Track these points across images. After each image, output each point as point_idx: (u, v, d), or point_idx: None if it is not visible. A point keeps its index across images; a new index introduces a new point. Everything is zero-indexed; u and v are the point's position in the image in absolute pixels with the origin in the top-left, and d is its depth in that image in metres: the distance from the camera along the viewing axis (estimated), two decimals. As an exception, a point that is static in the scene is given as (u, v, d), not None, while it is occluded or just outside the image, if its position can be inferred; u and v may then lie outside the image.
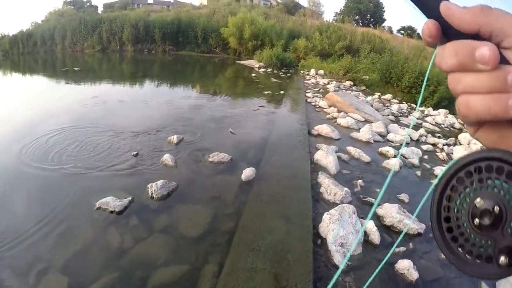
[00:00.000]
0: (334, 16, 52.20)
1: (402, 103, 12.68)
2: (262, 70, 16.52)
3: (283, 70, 16.69)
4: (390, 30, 44.49)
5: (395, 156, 5.81)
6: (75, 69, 18.14)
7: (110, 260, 3.01)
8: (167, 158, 4.82)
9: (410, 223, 3.88)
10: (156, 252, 3.06)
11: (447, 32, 0.47)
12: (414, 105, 13.23)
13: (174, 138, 5.61)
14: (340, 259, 2.82)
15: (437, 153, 6.86)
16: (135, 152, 5.14)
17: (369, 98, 11.53)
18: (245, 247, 2.73)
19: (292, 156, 4.87)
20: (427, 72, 0.69)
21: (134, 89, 12.60)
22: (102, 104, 8.93)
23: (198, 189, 4.12)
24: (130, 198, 3.81)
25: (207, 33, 24.27)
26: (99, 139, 5.91)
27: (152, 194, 3.90)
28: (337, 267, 2.76)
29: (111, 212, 3.61)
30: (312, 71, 16.32)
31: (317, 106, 8.69)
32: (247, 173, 4.22)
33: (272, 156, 4.83)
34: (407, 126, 8.47)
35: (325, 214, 3.28)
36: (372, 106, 9.89)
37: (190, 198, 3.92)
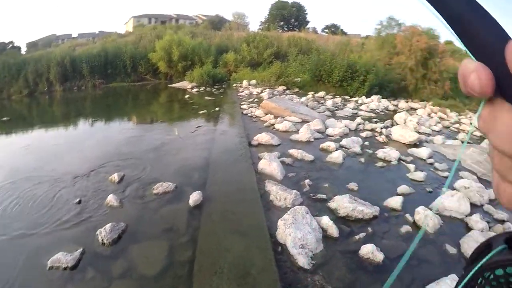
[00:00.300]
0: (259, 26, 53.20)
1: (336, 97, 13.20)
2: (195, 90, 16.49)
3: (216, 87, 16.82)
4: (315, 30, 46.05)
5: (337, 149, 6.00)
6: (4, 119, 17.23)
7: None
8: (111, 199, 4.63)
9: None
10: None
11: (507, 90, 0.33)
12: (347, 97, 13.74)
13: (116, 177, 5.41)
14: (304, 261, 2.87)
15: (376, 137, 7.27)
16: (77, 200, 4.89)
17: (303, 98, 11.88)
18: (207, 273, 2.69)
19: (236, 170, 4.88)
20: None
21: (68, 131, 12.07)
22: (36, 152, 8.48)
23: (148, 224, 4.02)
24: (81, 250, 3.63)
25: (136, 61, 23.59)
26: (37, 192, 5.58)
27: (102, 240, 3.74)
28: (302, 270, 2.83)
29: (65, 268, 3.41)
30: (245, 83, 16.52)
31: (254, 116, 8.81)
32: (194, 197, 4.16)
33: (216, 175, 4.82)
34: (344, 119, 8.74)
35: (279, 220, 3.32)
36: (307, 106, 10.16)
37: (142, 236, 3.81)
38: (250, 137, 6.64)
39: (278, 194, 4.01)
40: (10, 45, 57.17)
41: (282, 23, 54.37)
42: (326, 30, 49.14)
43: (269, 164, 4.86)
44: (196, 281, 2.67)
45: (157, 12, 59.32)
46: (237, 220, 3.45)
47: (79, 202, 4.84)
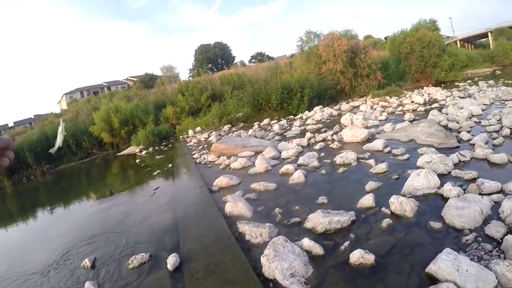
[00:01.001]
0: (189, 73, 53.79)
1: (281, 120, 13.59)
2: (144, 152, 16.34)
3: (163, 143, 16.79)
4: (243, 63, 47.08)
5: (296, 170, 6.09)
6: None
7: None
8: (88, 286, 4.40)
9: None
10: None
11: None
12: (291, 117, 14.13)
13: (87, 262, 5.16)
14: (297, 287, 2.83)
15: (330, 146, 7.52)
16: None
17: (250, 131, 12.12)
18: None
19: (205, 221, 4.82)
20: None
21: (29, 224, 11.45)
22: None
23: None
24: None
25: (78, 138, 23.16)
26: None
27: None
28: None
29: None
30: (190, 132, 16.59)
31: (208, 162, 8.82)
32: (171, 261, 4.03)
33: (186, 232, 4.75)
34: (294, 138, 8.99)
35: (261, 258, 3.26)
36: (256, 137, 10.32)
37: None
38: (209, 183, 6.60)
39: (253, 231, 3.99)
40: None
41: (210, 65, 55.43)
42: (253, 60, 50.55)
43: (235, 205, 4.84)
44: None
45: (87, 84, 58.71)
46: (222, 270, 3.39)
47: None
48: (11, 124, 53.22)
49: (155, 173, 10.06)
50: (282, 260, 3.10)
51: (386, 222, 3.64)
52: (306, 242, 3.43)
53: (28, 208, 15.16)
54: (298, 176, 5.70)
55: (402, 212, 3.74)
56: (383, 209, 3.96)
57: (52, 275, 5.31)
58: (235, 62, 51.77)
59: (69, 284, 4.90)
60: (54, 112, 40.68)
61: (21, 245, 8.15)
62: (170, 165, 10.16)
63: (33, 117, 51.19)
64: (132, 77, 56.36)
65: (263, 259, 3.22)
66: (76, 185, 16.42)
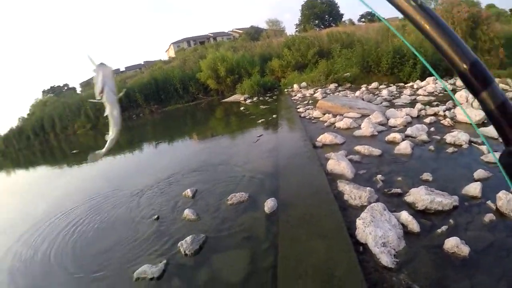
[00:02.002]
0: (295, 28, 52.90)
1: (390, 86, 12.78)
2: (248, 101, 16.66)
3: (268, 95, 16.92)
4: (352, 22, 44.89)
5: (403, 140, 5.76)
6: (73, 152, 18.43)
7: None
8: (188, 213, 4.84)
9: None
10: None
11: None
12: (401, 84, 13.35)
13: (189, 192, 5.63)
14: (387, 259, 2.76)
15: (441, 122, 6.90)
16: (155, 216, 5.19)
17: (357, 93, 11.60)
18: (291, 276, 2.69)
19: (306, 173, 4.81)
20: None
21: (135, 155, 12.77)
22: (109, 176, 9.29)
23: (227, 234, 4.10)
24: (165, 261, 3.83)
25: (185, 83, 24.52)
26: (116, 211, 6.08)
27: (184, 251, 3.91)
28: (386, 269, 2.72)
29: (151, 279, 3.62)
30: (295, 86, 16.44)
31: (312, 118, 8.72)
32: (269, 204, 4.21)
33: (287, 180, 4.80)
34: (403, 107, 8.39)
35: (357, 220, 3.22)
36: (363, 99, 10.01)
37: (222, 245, 3.91)
38: (313, 139, 6.56)
39: (352, 192, 3.91)
40: (66, 88, 61.35)
41: (317, 21, 53.82)
42: (363, 20, 47.96)
43: (338, 163, 4.76)
44: (281, 285, 2.67)
45: (194, 34, 60.64)
46: (316, 222, 3.39)
47: (157, 218, 5.13)
48: (122, 69, 57.65)
49: (259, 121, 10.23)
50: (377, 227, 3.04)
51: (489, 217, 3.29)
52: (404, 215, 3.28)
53: (135, 141, 16.58)
54: (404, 147, 5.39)
55: (509, 211, 3.34)
56: (489, 202, 3.56)
57: (155, 200, 5.92)
58: (343, 20, 49.94)
59: (169, 207, 5.43)
60: (162, 59, 43.08)
61: (128, 173, 9.14)
62: (274, 116, 10.24)
63: (143, 63, 54.93)
64: (237, 29, 57.19)
65: (358, 222, 3.19)
66: (181, 125, 17.51)
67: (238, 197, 4.81)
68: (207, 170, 6.87)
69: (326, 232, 3.16)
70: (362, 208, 3.51)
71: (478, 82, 0.59)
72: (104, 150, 1.76)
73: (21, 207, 9.28)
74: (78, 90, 54.14)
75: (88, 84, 51.68)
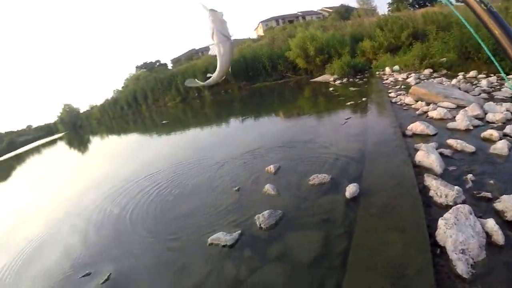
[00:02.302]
0: (388, 8, 50.15)
1: (490, 76, 11.78)
2: (338, 82, 16.24)
3: (358, 77, 16.32)
4: (449, 1, 41.57)
5: (500, 139, 5.07)
6: (163, 122, 19.77)
7: None
8: (268, 188, 4.98)
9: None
10: (271, 281, 3.16)
11: None
12: (503, 75, 12.07)
13: (272, 168, 5.80)
14: (463, 268, 2.55)
15: None
16: (236, 188, 5.46)
17: (453, 81, 10.69)
18: (361, 266, 2.66)
19: (393, 163, 4.60)
20: None
21: (222, 128, 13.54)
22: (195, 147, 10.00)
23: (305, 213, 4.14)
24: (239, 231, 4.03)
25: (274, 61, 24.78)
26: (199, 179, 6.56)
27: (260, 224, 4.05)
28: (460, 278, 2.51)
29: (223, 246, 3.86)
30: (387, 69, 15.62)
31: (404, 104, 8.28)
32: (351, 189, 4.11)
33: (372, 167, 4.66)
34: (504, 101, 7.39)
35: (439, 219, 2.99)
36: (459, 88, 9.48)
37: (298, 224, 3.97)
38: (403, 126, 6.21)
39: (439, 189, 3.62)
40: (158, 63, 65.11)
41: (410, 0, 50.75)
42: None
43: (427, 156, 4.45)
44: (349, 273, 2.65)
45: (283, 13, 60.35)
46: (396, 215, 3.25)
47: (238, 189, 5.37)
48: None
49: (348, 103, 10.00)
50: (459, 231, 2.80)
51: None
52: (490, 223, 2.92)
53: (223, 115, 17.29)
54: (501, 146, 4.72)
55: None
56: None
57: (238, 172, 6.25)
58: (439, -1, 46.66)
59: (251, 180, 5.67)
60: (251, 38, 43.68)
61: (214, 145, 9.65)
62: (363, 99, 9.93)
63: (232, 40, 56.04)
64: (327, 8, 55.74)
65: (440, 222, 2.95)
66: (269, 102, 17.80)
67: (320, 178, 4.81)
68: (292, 148, 6.97)
69: (405, 227, 3.04)
70: (447, 207, 3.28)
71: None
72: (203, 82, 1.93)
73: (110, 168, 10.54)
74: (170, 66, 57.12)
75: (178, 61, 54.30)
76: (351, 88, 13.05)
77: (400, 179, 4.03)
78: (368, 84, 13.29)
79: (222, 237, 3.97)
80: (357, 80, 15.24)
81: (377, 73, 16.08)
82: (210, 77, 1.88)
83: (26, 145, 61.09)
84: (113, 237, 5.28)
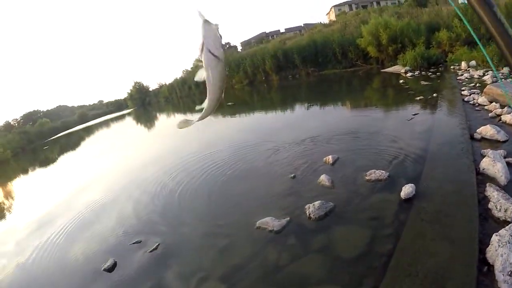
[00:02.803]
0: None
1: None
2: (409, 74, 15.50)
3: (431, 70, 15.40)
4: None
5: None
6: (229, 104, 20.32)
7: (266, 275, 3.32)
8: (323, 178, 5.03)
9: None
10: (310, 271, 3.21)
11: None
12: None
13: (330, 158, 5.81)
14: None
15: None
16: (292, 175, 5.58)
17: None
18: (401, 272, 2.61)
19: (455, 167, 4.38)
20: None
21: (285, 114, 13.69)
22: (257, 130, 10.35)
23: (355, 209, 4.14)
24: (288, 218, 4.16)
25: (345, 48, 24.08)
26: (257, 163, 6.79)
27: (309, 214, 4.12)
28: None
29: (270, 231, 4.01)
30: (463, 64, 14.48)
31: (476, 104, 7.73)
32: (407, 190, 3.97)
33: (432, 169, 4.47)
34: None
35: (493, 235, 2.78)
36: (543, 93, 8.88)
37: (347, 218, 3.98)
38: (472, 129, 5.81)
39: (499, 202, 3.34)
40: (227, 46, 66.28)
41: (497, -12, 46.67)
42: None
43: (493, 164, 4.13)
44: (388, 277, 2.63)
45: None
46: (448, 224, 3.12)
47: (293, 177, 5.49)
48: (282, 30, 59.21)
49: (417, 98, 9.61)
50: None
51: None
52: None
53: (288, 100, 17.44)
54: None
55: None
56: None
57: (296, 159, 6.38)
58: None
59: (308, 168, 5.79)
60: (323, 22, 43.03)
61: (276, 129, 9.89)
62: (434, 95, 9.47)
63: (302, 25, 55.68)
64: (403, -8, 53.37)
65: (494, 238, 2.74)
66: (336, 90, 17.63)
67: (377, 174, 4.76)
68: (354, 139, 6.94)
69: (454, 238, 2.90)
70: (504, 223, 3.08)
71: None
72: (196, 120, 1.58)
73: (173, 144, 11.65)
74: (239, 48, 57.96)
75: (248, 44, 54.92)
76: (423, 82, 12.42)
77: (460, 186, 3.84)
78: (441, 79, 12.60)
79: (270, 222, 4.12)
80: (430, 73, 14.44)
81: (452, 67, 15.02)
82: (202, 109, 1.55)
83: (96, 118, 66.24)
84: (165, 210, 5.71)
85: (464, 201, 3.48)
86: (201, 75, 1.33)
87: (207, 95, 1.43)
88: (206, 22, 1.21)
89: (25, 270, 5.20)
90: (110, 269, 4.27)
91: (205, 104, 1.41)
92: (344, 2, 57.08)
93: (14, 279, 5.00)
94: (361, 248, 3.33)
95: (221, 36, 1.19)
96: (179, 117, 23.98)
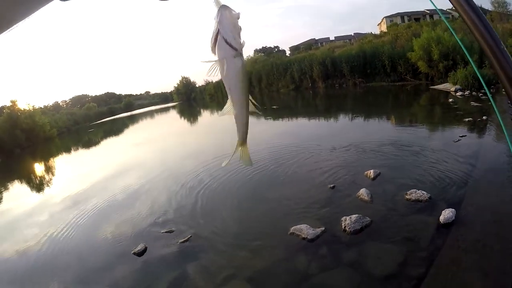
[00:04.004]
0: None
1: None
2: (459, 93, 15.07)
3: (482, 91, 14.52)
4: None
5: None
6: (274, 107, 20.59)
7: (293, 282, 3.38)
8: (363, 192, 5.00)
9: None
10: (338, 284, 3.25)
11: None
12: None
13: (371, 173, 5.76)
14: None
15: None
16: (331, 185, 5.60)
17: None
18: None
19: (499, 196, 4.27)
20: None
21: (329, 122, 13.77)
22: (300, 136, 10.46)
23: (392, 227, 4.10)
24: (322, 228, 4.20)
25: (394, 61, 23.43)
26: (297, 169, 6.85)
27: (345, 227, 4.13)
28: None
29: (303, 238, 4.07)
30: None
31: None
32: (447, 214, 3.89)
33: (475, 196, 4.39)
34: None
35: None
36: None
37: (382, 235, 3.95)
38: None
39: None
40: (276, 49, 66.62)
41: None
42: None
43: None
44: None
45: (409, 9, 57.12)
46: (484, 255, 3.05)
47: (333, 187, 5.51)
48: (332, 38, 58.90)
49: (466, 120, 9.24)
50: None
51: None
52: None
53: (332, 109, 17.44)
54: None
55: None
56: None
57: (337, 171, 6.39)
58: None
59: (348, 180, 5.82)
60: (373, 33, 42.55)
61: (318, 136, 10.06)
62: (484, 117, 9.14)
63: (353, 34, 55.17)
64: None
65: None
66: (382, 104, 17.33)
67: (418, 195, 4.64)
68: (397, 156, 6.85)
69: (489, 270, 2.86)
70: None
71: None
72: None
73: (214, 140, 11.97)
74: (287, 53, 58.23)
75: (296, 49, 55.06)
76: (472, 103, 11.97)
77: (502, 216, 3.75)
78: (493, 101, 12.40)
79: (305, 230, 4.18)
80: (481, 94, 13.92)
81: (503, 90, 14.61)
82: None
83: (141, 108, 68.26)
84: (199, 204, 5.92)
85: (505, 233, 3.42)
86: (213, 71, 0.92)
87: (229, 96, 1.02)
88: (223, 7, 0.88)
89: (55, 242, 5.56)
90: (140, 254, 4.52)
91: (228, 105, 1.01)
92: (396, 14, 55.89)
93: (43, 250, 5.36)
94: (393, 268, 3.31)
95: (240, 28, 0.90)
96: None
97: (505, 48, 0.67)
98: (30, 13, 0.69)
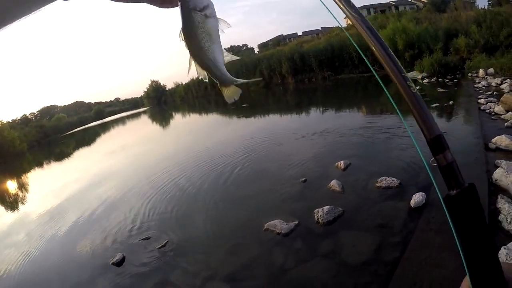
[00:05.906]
0: (488, 1, 45.45)
1: None
2: (426, 81, 15.32)
3: (448, 77, 15.14)
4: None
5: None
6: (244, 105, 20.44)
7: (271, 277, 3.36)
8: (334, 183, 5.01)
9: None
10: (315, 276, 3.23)
11: None
12: None
13: (342, 164, 5.80)
14: None
15: None
16: (303, 179, 5.59)
17: None
18: (406, 281, 2.61)
19: (467, 177, 3.43)
20: None
21: (299, 117, 13.74)
22: (271, 133, 10.34)
23: (364, 215, 4.12)
24: (296, 222, 4.19)
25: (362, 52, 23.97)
26: (268, 165, 6.80)
27: (318, 219, 4.13)
28: None
29: (278, 233, 4.04)
30: (481, 72, 14.01)
31: (492, 113, 7.51)
32: (417, 198, 3.95)
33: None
34: None
35: (502, 248, 2.76)
36: None
37: (355, 224, 3.97)
38: (487, 138, 5.67)
39: (510, 215, 3.30)
40: (244, 48, 66.77)
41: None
42: None
43: (506, 175, 4.05)
44: (392, 285, 2.65)
45: (375, 1, 58.10)
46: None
47: (305, 181, 5.50)
48: (299, 33, 59.40)
49: (433, 105, 9.42)
50: None
51: None
52: None
53: (303, 104, 17.45)
54: None
55: None
56: None
57: (307, 163, 6.38)
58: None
59: (319, 173, 5.81)
60: (341, 26, 43.05)
61: (289, 131, 9.92)
62: (450, 102, 9.33)
63: (320, 29, 55.68)
64: (422, -3, 52.83)
65: (502, 251, 2.75)
66: (351, 95, 17.65)
67: (388, 181, 4.72)
68: (367, 145, 6.94)
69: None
70: None
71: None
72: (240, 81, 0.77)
73: (185, 142, 12.17)
74: (256, 50, 58.30)
75: (265, 46, 55.22)
76: (439, 89, 12.19)
77: None
78: (458, 87, 12.37)
79: (279, 225, 4.16)
80: (447, 80, 14.13)
81: (469, 74, 14.60)
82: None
83: (112, 115, 67.63)
84: (174, 208, 5.81)
85: (475, 212, 3.41)
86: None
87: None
88: None
89: (34, 260, 5.38)
90: (119, 264, 4.41)
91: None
92: (362, 6, 56.54)
93: (22, 269, 5.18)
94: (368, 255, 3.33)
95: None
96: (194, 116, 24.35)
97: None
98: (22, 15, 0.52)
